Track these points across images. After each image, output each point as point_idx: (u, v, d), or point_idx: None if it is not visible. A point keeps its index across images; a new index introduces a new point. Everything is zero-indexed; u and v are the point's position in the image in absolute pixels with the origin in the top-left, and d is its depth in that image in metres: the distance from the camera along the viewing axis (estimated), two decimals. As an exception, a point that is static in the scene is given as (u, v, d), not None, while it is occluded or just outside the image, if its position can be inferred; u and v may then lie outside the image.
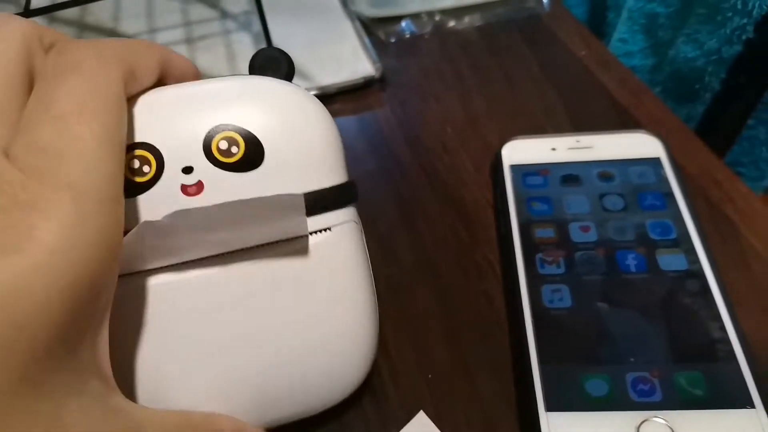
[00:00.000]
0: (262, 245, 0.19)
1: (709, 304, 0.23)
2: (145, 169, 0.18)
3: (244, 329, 0.19)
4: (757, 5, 0.38)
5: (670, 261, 0.24)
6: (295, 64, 0.21)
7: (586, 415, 0.21)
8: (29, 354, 0.12)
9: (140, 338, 0.18)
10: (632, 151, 0.29)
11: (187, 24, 0.39)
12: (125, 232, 0.17)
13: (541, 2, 0.41)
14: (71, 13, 0.39)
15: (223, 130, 0.18)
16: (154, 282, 0.18)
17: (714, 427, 0.20)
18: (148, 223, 0.16)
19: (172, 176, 0.18)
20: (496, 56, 0.38)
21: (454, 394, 0.23)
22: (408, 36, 0.40)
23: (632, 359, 0.22)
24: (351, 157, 0.21)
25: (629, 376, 0.21)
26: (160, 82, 0.19)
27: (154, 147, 0.18)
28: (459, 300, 0.26)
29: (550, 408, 0.21)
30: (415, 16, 0.40)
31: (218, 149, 0.18)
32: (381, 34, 0.39)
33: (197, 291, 0.18)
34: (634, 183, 0.27)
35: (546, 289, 0.24)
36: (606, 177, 0.28)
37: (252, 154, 0.18)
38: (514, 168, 0.29)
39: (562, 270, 0.25)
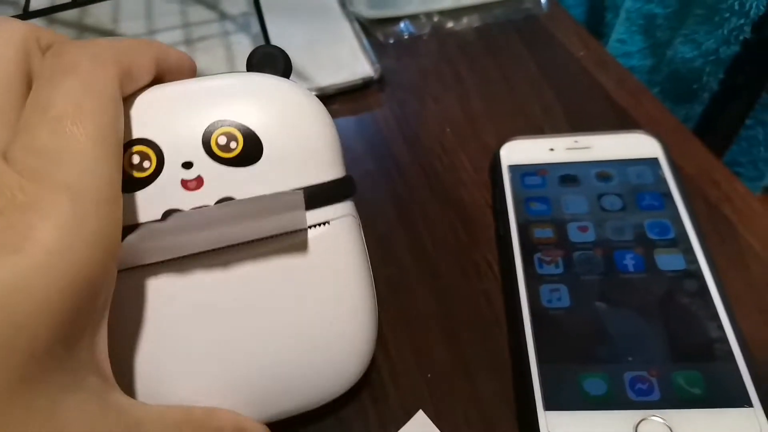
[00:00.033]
0: (261, 239, 0.19)
1: (707, 304, 0.23)
2: (146, 164, 0.18)
3: (243, 323, 0.19)
4: (754, 6, 0.38)
5: (668, 261, 0.25)
6: (293, 65, 0.21)
7: (585, 414, 0.21)
8: (28, 353, 0.13)
9: (140, 334, 0.18)
10: (630, 151, 0.29)
11: (186, 25, 0.39)
12: (126, 229, 0.17)
13: (539, 3, 0.41)
14: (71, 14, 0.39)
15: (222, 126, 0.18)
16: (154, 278, 0.18)
17: (712, 426, 0.20)
18: (149, 225, 0.16)
19: (172, 171, 0.18)
20: (494, 57, 0.38)
21: (454, 393, 0.23)
22: (406, 37, 0.40)
23: (630, 358, 0.22)
24: (350, 157, 0.21)
25: (627, 376, 0.21)
26: (158, 78, 0.19)
27: (154, 143, 0.18)
28: (458, 300, 0.26)
29: (548, 407, 0.21)
30: (413, 17, 0.40)
31: (217, 144, 0.18)
32: (379, 35, 0.39)
33: (196, 286, 0.18)
34: (633, 183, 0.28)
35: (544, 289, 0.24)
36: (604, 177, 0.28)
37: (251, 149, 0.18)
38: (513, 168, 0.29)
39: (560, 270, 0.25)
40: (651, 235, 0.26)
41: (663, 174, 0.28)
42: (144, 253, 0.18)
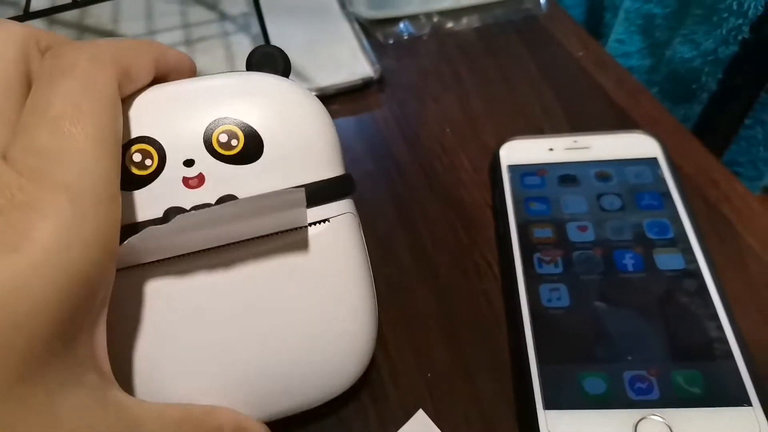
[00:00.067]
0: (261, 236, 0.19)
1: (706, 303, 0.23)
2: (147, 162, 0.18)
3: (242, 321, 0.19)
4: (752, 6, 0.38)
5: (667, 260, 0.25)
6: (293, 65, 0.21)
7: (584, 413, 0.21)
8: (27, 351, 0.13)
9: (140, 332, 0.18)
10: (629, 151, 0.29)
11: (186, 26, 0.39)
12: (128, 228, 0.17)
13: (539, 3, 0.41)
14: (71, 15, 0.39)
15: (223, 124, 0.18)
16: (154, 276, 0.18)
17: (711, 425, 0.20)
18: (152, 229, 0.16)
19: (174, 169, 0.18)
20: (493, 57, 0.38)
21: (453, 393, 0.23)
22: (406, 37, 0.40)
23: (630, 358, 0.22)
24: (350, 157, 0.21)
25: (627, 375, 0.21)
26: (158, 78, 0.19)
27: (156, 141, 0.18)
28: (458, 300, 0.26)
29: (548, 406, 0.21)
30: (413, 18, 0.40)
31: (218, 142, 0.18)
32: (379, 36, 0.39)
33: (196, 284, 0.19)
34: (632, 183, 0.28)
35: (544, 289, 0.24)
36: (603, 177, 0.28)
37: (251, 147, 0.19)
38: (512, 168, 0.29)
39: (560, 269, 0.25)
40: (650, 235, 0.26)
41: (662, 174, 0.28)
42: (144, 252, 0.18)
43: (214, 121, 0.18)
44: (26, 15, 0.30)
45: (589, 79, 0.36)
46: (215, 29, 0.39)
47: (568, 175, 0.28)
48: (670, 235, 0.25)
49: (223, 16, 0.40)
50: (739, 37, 0.40)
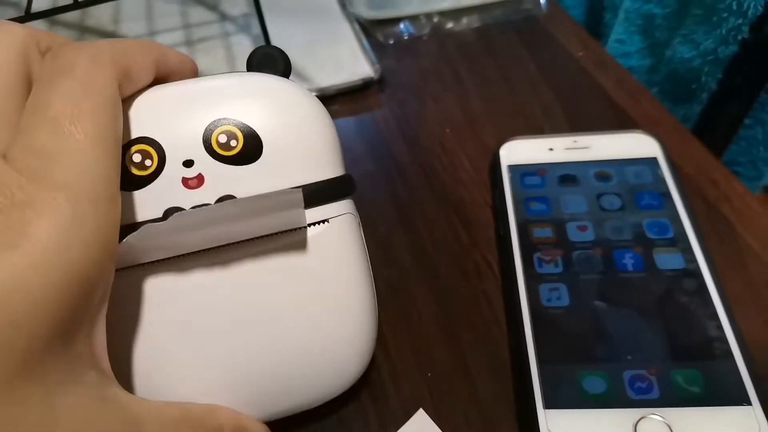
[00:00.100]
0: (261, 237, 0.19)
1: (705, 303, 0.23)
2: (147, 162, 0.18)
3: (242, 321, 0.19)
4: (752, 6, 0.38)
5: (667, 260, 0.25)
6: (294, 66, 0.21)
7: (584, 412, 0.21)
8: (25, 349, 0.13)
9: (139, 331, 0.18)
10: (629, 151, 0.29)
11: (187, 26, 0.39)
12: (127, 228, 0.17)
13: (539, 3, 0.41)
14: (72, 15, 0.39)
15: (222, 125, 0.19)
16: (153, 275, 0.18)
17: (710, 424, 0.20)
18: (150, 226, 0.16)
19: (174, 169, 0.18)
20: (494, 57, 0.38)
21: (453, 393, 0.23)
22: (406, 38, 0.40)
23: (629, 357, 0.22)
24: (350, 158, 0.21)
25: (627, 374, 0.21)
26: (159, 80, 0.19)
27: (156, 141, 0.18)
28: (458, 300, 0.26)
29: (548, 405, 0.21)
30: (413, 18, 0.40)
31: (218, 143, 0.18)
32: (379, 36, 0.40)
33: (195, 284, 0.19)
34: (631, 183, 0.28)
35: (544, 288, 0.24)
36: (603, 177, 0.28)
37: (251, 148, 0.19)
38: (512, 168, 0.29)
39: (559, 269, 0.25)
40: (650, 235, 0.26)
41: (662, 174, 0.28)
42: (144, 251, 0.18)
43: (214, 121, 0.19)
44: (27, 16, 0.30)
45: (589, 79, 0.36)
46: (216, 30, 0.39)
47: (568, 174, 0.28)
48: (670, 234, 0.26)
49: (224, 17, 0.40)
50: (739, 37, 0.40)
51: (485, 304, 0.26)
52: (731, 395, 0.21)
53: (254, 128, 0.19)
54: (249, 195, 0.18)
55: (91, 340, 0.15)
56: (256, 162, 0.19)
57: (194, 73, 0.21)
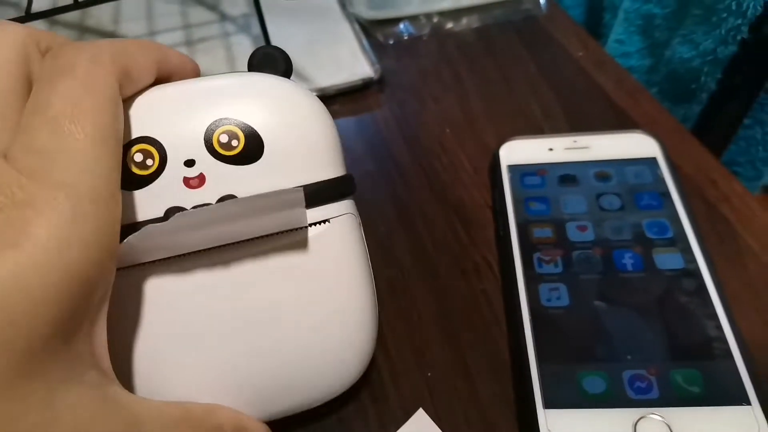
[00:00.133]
0: (262, 237, 0.19)
1: (705, 303, 0.23)
2: (149, 162, 0.18)
3: (243, 320, 0.19)
4: (751, 6, 0.38)
5: (666, 260, 0.25)
6: (294, 66, 0.21)
7: (584, 412, 0.21)
8: (27, 349, 0.13)
9: (140, 331, 0.18)
10: (629, 151, 0.29)
11: (187, 27, 0.39)
12: (128, 227, 0.17)
13: (538, 4, 0.41)
14: (72, 16, 0.39)
15: (223, 124, 0.19)
16: (155, 274, 0.18)
17: (710, 423, 0.20)
18: (152, 227, 0.16)
19: (175, 169, 0.18)
20: (493, 57, 0.38)
21: (453, 392, 0.23)
22: (406, 38, 0.40)
23: (629, 357, 0.22)
24: (350, 158, 0.21)
25: (626, 374, 0.22)
26: (160, 79, 0.20)
27: (157, 141, 0.18)
28: (458, 300, 0.26)
29: (548, 405, 0.21)
30: (413, 18, 0.41)
31: (219, 142, 0.18)
32: (379, 36, 0.40)
33: (196, 283, 0.19)
34: (631, 183, 0.28)
35: (544, 288, 0.24)
36: (603, 177, 0.28)
37: (252, 148, 0.19)
38: (512, 168, 0.29)
39: (559, 269, 0.25)
40: (649, 235, 0.26)
41: (661, 174, 0.28)
42: (145, 251, 0.18)
43: (215, 121, 0.19)
44: (27, 16, 0.30)
45: (588, 80, 0.36)
46: (216, 30, 0.39)
47: (567, 175, 0.28)
48: (670, 234, 0.26)
49: (224, 17, 0.40)
50: (738, 38, 0.40)
51: (485, 304, 0.26)
52: (731, 395, 0.21)
53: (255, 128, 0.19)
54: (250, 195, 0.18)
55: (91, 340, 0.15)
56: (257, 162, 0.19)
57: (195, 73, 0.21)
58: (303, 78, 0.35)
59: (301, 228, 0.19)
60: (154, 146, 0.18)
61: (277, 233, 0.19)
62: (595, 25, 0.54)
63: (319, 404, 0.21)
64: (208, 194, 0.18)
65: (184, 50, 0.37)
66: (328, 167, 0.20)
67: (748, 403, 0.20)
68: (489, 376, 0.24)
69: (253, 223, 0.18)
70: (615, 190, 0.28)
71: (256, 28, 0.35)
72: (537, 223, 0.27)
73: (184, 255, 0.18)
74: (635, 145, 0.29)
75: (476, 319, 0.25)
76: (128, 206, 0.18)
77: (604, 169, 0.28)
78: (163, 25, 0.39)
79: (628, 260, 0.25)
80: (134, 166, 0.18)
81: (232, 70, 0.36)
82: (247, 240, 0.19)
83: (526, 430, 0.21)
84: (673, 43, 0.44)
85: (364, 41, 0.38)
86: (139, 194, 0.18)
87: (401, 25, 0.40)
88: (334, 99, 0.35)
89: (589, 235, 0.26)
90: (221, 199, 0.18)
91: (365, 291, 0.21)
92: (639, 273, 0.24)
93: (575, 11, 0.55)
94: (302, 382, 0.20)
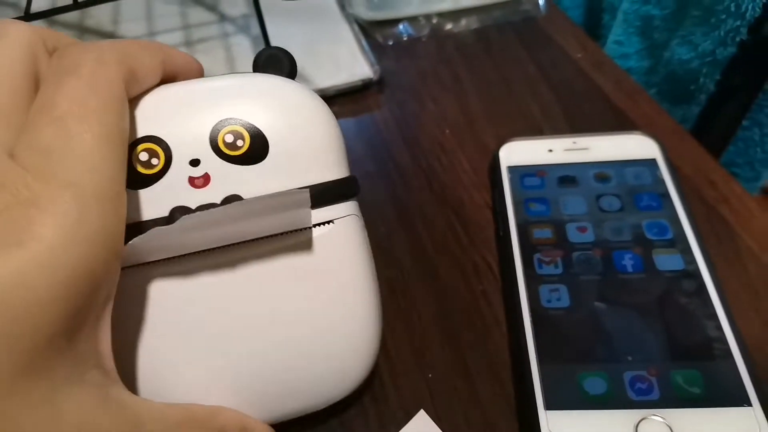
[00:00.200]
0: (266, 237, 0.19)
1: (705, 303, 0.23)
2: (154, 161, 0.18)
3: (247, 321, 0.19)
4: (750, 7, 0.38)
5: (666, 261, 0.25)
6: (295, 63, 0.21)
7: (585, 413, 0.21)
8: (30, 347, 0.13)
9: (144, 331, 0.18)
10: (628, 152, 0.29)
11: (186, 27, 0.39)
12: (133, 226, 0.17)
13: (537, 5, 0.41)
14: (71, 16, 0.39)
15: (229, 124, 0.19)
16: (159, 274, 0.18)
17: (711, 424, 0.20)
18: (158, 229, 0.16)
19: (180, 168, 0.18)
20: (493, 58, 0.38)
21: (454, 393, 0.23)
22: (405, 39, 0.40)
23: (630, 358, 0.22)
24: (349, 158, 0.21)
25: (627, 375, 0.22)
26: (165, 80, 0.20)
27: (163, 140, 0.18)
28: (458, 301, 0.26)
29: (549, 406, 0.21)
30: (412, 19, 0.41)
31: (224, 142, 0.18)
32: (379, 37, 0.40)
33: (200, 284, 0.19)
34: (631, 184, 0.28)
35: (544, 289, 0.24)
36: (602, 178, 0.28)
37: (257, 148, 0.19)
38: (512, 169, 0.29)
39: (559, 270, 0.25)
40: (649, 236, 0.26)
41: (661, 175, 0.28)
42: (149, 251, 0.18)
43: (220, 121, 0.19)
44: (27, 16, 0.30)
45: (587, 81, 0.36)
46: (215, 30, 0.39)
47: (567, 176, 0.28)
48: (669, 235, 0.26)
49: (223, 18, 0.40)
50: (737, 39, 0.40)
51: (485, 305, 0.26)
52: (731, 396, 0.21)
53: (261, 128, 0.19)
54: (255, 195, 0.18)
55: (95, 339, 0.15)
56: (262, 162, 0.19)
57: (200, 73, 0.21)
58: (302, 79, 0.35)
59: (305, 229, 0.19)
60: (159, 145, 0.18)
61: (281, 234, 0.19)
62: (594, 26, 0.54)
63: (324, 407, 0.21)
64: (212, 194, 0.18)
65: (183, 51, 0.37)
66: (332, 168, 0.20)
67: (749, 404, 0.20)
68: (489, 377, 0.24)
69: (258, 224, 0.18)
70: (614, 191, 0.28)
71: (256, 29, 0.35)
72: (537, 223, 0.27)
73: (188, 255, 0.18)
74: (634, 146, 0.29)
75: (476, 320, 0.25)
76: (133, 205, 0.18)
77: (604, 170, 0.28)
78: (162, 25, 0.39)
79: (628, 261, 0.25)
80: (139, 165, 0.18)
81: (232, 70, 0.36)
82: (252, 240, 0.19)
83: (527, 431, 0.21)
84: (672, 44, 0.44)
85: (364, 42, 0.38)
86: (144, 193, 0.18)
87: (400, 26, 0.40)
88: (333, 100, 0.35)
89: (589, 236, 0.26)
90: (226, 199, 0.18)
91: (369, 292, 0.21)
92: (639, 274, 0.24)
93: (574, 12, 0.55)
94: (307, 385, 0.20)
